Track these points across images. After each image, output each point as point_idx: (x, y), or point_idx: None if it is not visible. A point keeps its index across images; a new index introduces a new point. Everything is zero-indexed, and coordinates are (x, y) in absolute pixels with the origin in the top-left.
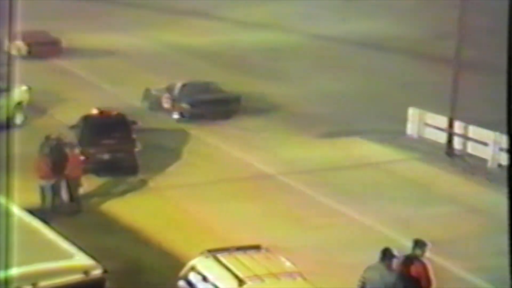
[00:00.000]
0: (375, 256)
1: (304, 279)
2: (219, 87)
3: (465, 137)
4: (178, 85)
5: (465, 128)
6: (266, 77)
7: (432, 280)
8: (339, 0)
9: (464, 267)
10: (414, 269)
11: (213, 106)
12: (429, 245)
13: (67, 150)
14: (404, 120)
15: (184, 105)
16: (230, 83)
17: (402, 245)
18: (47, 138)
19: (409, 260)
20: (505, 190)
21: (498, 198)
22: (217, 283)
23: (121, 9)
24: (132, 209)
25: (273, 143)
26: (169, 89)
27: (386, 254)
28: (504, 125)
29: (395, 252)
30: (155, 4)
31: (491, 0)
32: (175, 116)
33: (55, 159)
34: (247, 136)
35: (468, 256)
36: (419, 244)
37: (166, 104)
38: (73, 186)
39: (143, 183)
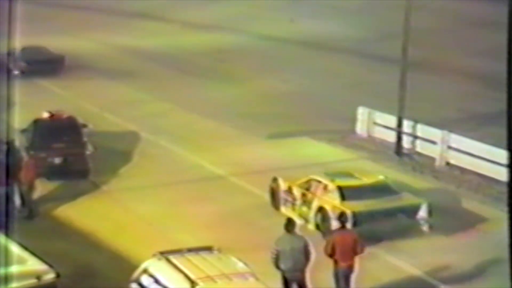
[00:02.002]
0: None
1: (257, 279)
2: (49, 51)
3: (414, 136)
4: (18, 48)
5: (414, 127)
6: (214, 78)
7: (364, 248)
8: (285, 1)
9: (413, 264)
10: (348, 237)
11: (43, 64)
12: (349, 217)
13: (20, 155)
14: (353, 120)
15: (23, 64)
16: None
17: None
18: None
19: (341, 230)
20: (452, 188)
21: (445, 196)
22: (169, 285)
23: (68, 12)
24: (83, 212)
25: (222, 144)
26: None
27: (290, 223)
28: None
29: (297, 220)
30: (102, 6)
31: (435, 0)
32: (16, 73)
33: (8, 163)
34: (197, 137)
35: (416, 254)
36: (343, 217)
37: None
38: (25, 191)
39: (94, 186)
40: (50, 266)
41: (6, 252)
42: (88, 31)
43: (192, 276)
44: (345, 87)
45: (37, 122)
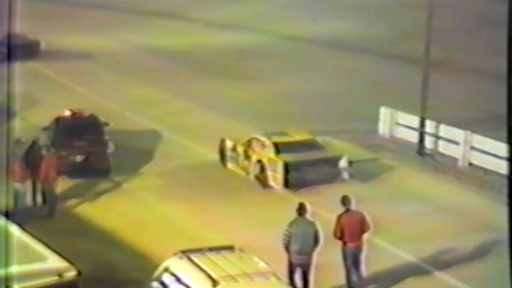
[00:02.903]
0: None
1: (278, 278)
2: (26, 36)
3: (436, 136)
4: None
5: (436, 128)
6: (236, 78)
7: (370, 225)
8: (308, 0)
9: (435, 265)
10: (355, 218)
11: (21, 49)
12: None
13: (42, 152)
14: (375, 120)
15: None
16: (199, 83)
17: (375, 244)
18: (20, 140)
19: (348, 213)
20: (475, 189)
21: (468, 196)
22: (191, 284)
23: (89, 10)
24: (104, 211)
25: None
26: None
27: (302, 208)
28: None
29: (308, 206)
30: (124, 5)
31: (459, 1)
32: None
33: (29, 161)
34: (218, 137)
35: (439, 254)
36: (345, 200)
37: None
38: (47, 189)
39: (116, 184)
40: (72, 263)
41: (28, 249)
42: (110, 29)
43: (214, 275)
44: (367, 87)
45: (58, 120)
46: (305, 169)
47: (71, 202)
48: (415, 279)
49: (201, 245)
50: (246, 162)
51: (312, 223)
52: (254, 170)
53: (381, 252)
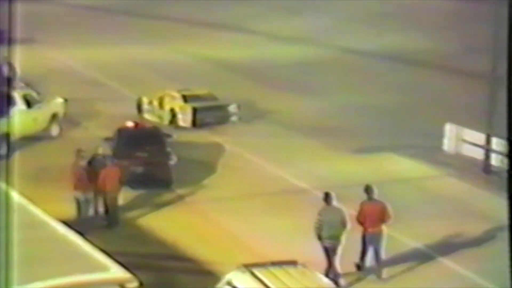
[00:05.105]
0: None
1: None
2: None
3: (503, 154)
4: None
5: (503, 145)
6: (297, 91)
7: (390, 214)
8: (371, 14)
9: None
10: (377, 206)
11: None
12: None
13: (104, 163)
14: (440, 136)
15: None
16: (260, 96)
17: (439, 261)
18: (82, 150)
19: (370, 201)
20: None
21: None
22: None
23: (150, 21)
24: (165, 222)
25: (306, 157)
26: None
27: (328, 196)
28: None
29: (333, 194)
30: (187, 17)
31: None
32: None
33: (92, 171)
34: (280, 150)
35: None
36: (368, 189)
37: None
38: (109, 199)
39: (177, 196)
40: (133, 274)
41: (90, 259)
42: (172, 41)
43: None
44: (431, 102)
45: (121, 131)
46: (206, 113)
47: (133, 212)
48: None
49: (264, 259)
50: (160, 112)
51: (339, 210)
52: (167, 116)
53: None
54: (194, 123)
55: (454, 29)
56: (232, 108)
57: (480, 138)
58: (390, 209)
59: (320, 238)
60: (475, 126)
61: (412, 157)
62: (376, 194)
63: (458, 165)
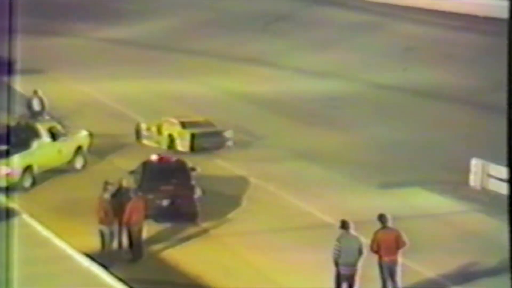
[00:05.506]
0: None
1: None
2: None
3: None
4: None
5: None
6: (324, 125)
7: (406, 241)
8: (400, 49)
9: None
10: (391, 234)
11: None
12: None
13: (128, 196)
14: (466, 171)
15: None
16: (286, 130)
17: None
18: (107, 183)
19: (384, 229)
20: None
21: None
22: None
23: (177, 55)
24: (190, 256)
25: (331, 192)
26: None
27: (345, 223)
28: None
29: (351, 222)
30: (212, 50)
31: None
32: None
33: (116, 204)
34: (306, 184)
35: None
36: (382, 218)
37: None
38: (133, 232)
39: (203, 230)
40: None
41: None
42: (201, 75)
43: None
44: (457, 137)
45: (146, 164)
46: (203, 139)
47: (157, 246)
48: None
49: None
50: (159, 137)
51: (356, 237)
52: (166, 142)
53: None
54: (192, 148)
55: (481, 64)
56: (228, 133)
57: (506, 173)
58: (404, 236)
59: (337, 264)
60: (501, 161)
61: (438, 192)
62: (390, 223)
63: (485, 200)
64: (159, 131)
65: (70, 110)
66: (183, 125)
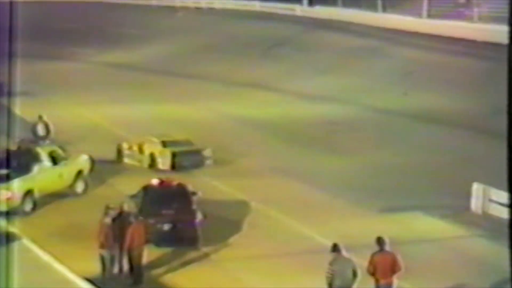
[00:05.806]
0: None
1: None
2: None
3: None
4: None
5: None
6: (325, 150)
7: (401, 265)
8: (400, 74)
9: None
10: (388, 257)
11: None
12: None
13: (129, 220)
14: (467, 196)
15: None
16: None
17: None
18: (108, 207)
19: (380, 252)
20: None
21: None
22: None
23: (178, 80)
24: (191, 281)
25: (332, 216)
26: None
27: (336, 247)
28: None
29: (341, 245)
30: (215, 76)
31: None
32: None
33: (117, 228)
34: (306, 209)
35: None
36: (380, 241)
37: None
38: (134, 257)
39: (203, 254)
40: None
41: None
42: (202, 99)
43: None
44: (458, 162)
45: (146, 188)
46: (184, 157)
47: (158, 271)
48: None
49: None
50: (140, 156)
51: (349, 260)
52: (147, 160)
53: None
54: (173, 166)
55: (480, 89)
56: (207, 152)
57: (507, 198)
58: (400, 260)
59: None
60: (502, 186)
61: (439, 217)
62: (388, 246)
63: (486, 225)
64: (141, 150)
65: (70, 135)
66: (164, 144)
